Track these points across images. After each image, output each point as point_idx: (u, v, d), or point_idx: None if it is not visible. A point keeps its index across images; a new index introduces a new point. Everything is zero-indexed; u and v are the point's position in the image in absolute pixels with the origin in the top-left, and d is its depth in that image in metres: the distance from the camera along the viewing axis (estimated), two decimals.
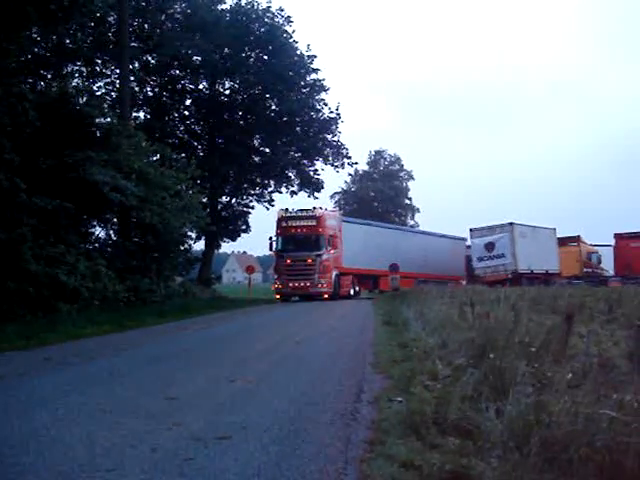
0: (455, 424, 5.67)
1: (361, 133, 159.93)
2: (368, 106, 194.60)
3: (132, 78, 37.11)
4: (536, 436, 4.65)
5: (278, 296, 38.54)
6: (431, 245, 50.98)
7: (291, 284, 37.45)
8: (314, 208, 39.86)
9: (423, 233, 56.63)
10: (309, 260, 37.51)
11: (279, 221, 39.02)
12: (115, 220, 27.83)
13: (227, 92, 44.66)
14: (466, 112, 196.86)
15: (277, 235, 38.95)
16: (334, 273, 38.31)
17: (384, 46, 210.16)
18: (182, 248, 32.66)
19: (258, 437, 5.92)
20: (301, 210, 39.85)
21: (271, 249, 39.79)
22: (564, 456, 4.43)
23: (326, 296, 37.05)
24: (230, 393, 8.17)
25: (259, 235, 53.46)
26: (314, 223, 38.22)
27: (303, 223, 38.43)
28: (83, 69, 37.10)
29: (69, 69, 35.48)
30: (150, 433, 6.12)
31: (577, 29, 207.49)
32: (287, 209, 39.74)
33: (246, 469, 5.00)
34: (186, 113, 44.71)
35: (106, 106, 28.19)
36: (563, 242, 52.78)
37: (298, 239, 38.28)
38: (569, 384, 5.83)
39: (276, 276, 39.68)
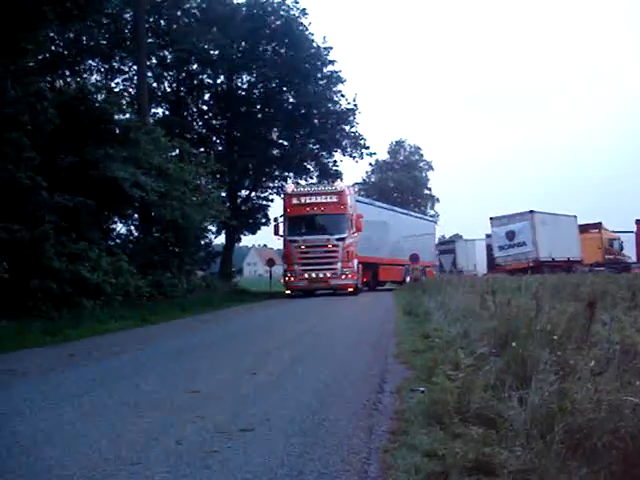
0: (478, 413, 5.66)
1: (382, 121, 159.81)
2: (389, 93, 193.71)
3: (150, 74, 37.26)
4: (559, 424, 4.63)
5: (289, 291, 31.69)
6: (412, 227, 45.32)
7: (307, 275, 30.96)
8: (333, 182, 34.56)
9: (404, 213, 49.06)
10: (330, 245, 31.02)
11: (289, 198, 32.27)
12: (136, 216, 28.00)
13: (244, 86, 44.71)
14: (490, 102, 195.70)
15: (286, 215, 32.32)
16: (356, 261, 31.94)
17: (407, 30, 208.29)
18: (203, 242, 32.77)
19: (281, 429, 5.95)
20: (317, 184, 34.81)
21: (277, 233, 32.92)
22: (588, 444, 4.41)
23: (350, 289, 31.19)
24: (253, 385, 8.21)
25: None
26: (335, 200, 31.55)
27: (321, 200, 31.67)
28: (101, 66, 37.37)
29: (87, 66, 35.75)
30: (174, 426, 6.17)
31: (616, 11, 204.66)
32: (298, 183, 34.96)
33: (270, 460, 5.03)
34: (204, 108, 44.88)
35: (124, 102, 28.33)
36: (584, 229, 52.49)
37: (314, 220, 31.97)
38: (592, 371, 5.79)
39: (286, 266, 32.09)
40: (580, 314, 8.37)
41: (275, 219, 34.12)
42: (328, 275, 31.03)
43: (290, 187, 34.13)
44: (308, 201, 31.81)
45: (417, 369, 8.64)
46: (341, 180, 40.32)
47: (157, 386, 8.49)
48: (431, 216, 78.72)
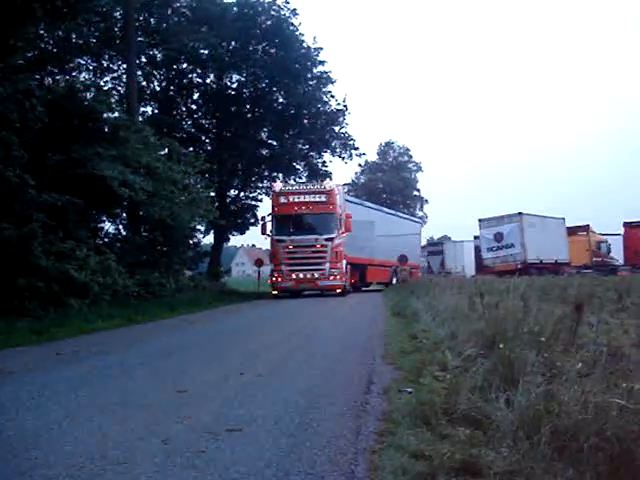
0: (465, 414, 5.67)
1: (371, 122, 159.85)
2: (379, 94, 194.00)
3: (139, 72, 37.13)
4: (546, 425, 4.65)
5: (276, 292, 30.93)
6: (400, 228, 44.91)
7: (294, 275, 30.42)
8: (322, 181, 34.01)
9: (391, 214, 48.06)
10: (318, 245, 30.49)
11: (277, 196, 31.65)
12: (124, 215, 27.92)
13: (234, 85, 44.60)
14: (481, 104, 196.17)
15: (273, 214, 31.59)
16: (345, 262, 31.45)
17: (397, 31, 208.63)
18: (191, 242, 32.71)
19: (268, 429, 5.95)
20: (306, 183, 34.27)
21: (264, 232, 32.00)
22: (574, 445, 4.43)
23: (339, 290, 30.65)
24: (241, 385, 8.19)
25: None
26: (324, 199, 31.00)
27: (310, 199, 31.14)
28: (90, 64, 37.23)
29: (76, 64, 35.58)
30: (161, 426, 6.15)
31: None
32: (286, 181, 34.68)
33: (257, 461, 5.02)
34: (194, 107, 44.76)
35: (114, 101, 28.21)
36: (572, 232, 52.79)
37: (302, 219, 31.45)
38: (579, 373, 5.82)
39: (273, 266, 31.56)
40: (567, 316, 8.41)
41: (262, 218, 33.44)
42: (316, 276, 30.47)
43: (278, 185, 33.35)
44: (296, 200, 31.19)
45: (405, 370, 8.64)
46: (330, 180, 39.02)
47: (144, 386, 8.47)
48: (419, 217, 78.81)
